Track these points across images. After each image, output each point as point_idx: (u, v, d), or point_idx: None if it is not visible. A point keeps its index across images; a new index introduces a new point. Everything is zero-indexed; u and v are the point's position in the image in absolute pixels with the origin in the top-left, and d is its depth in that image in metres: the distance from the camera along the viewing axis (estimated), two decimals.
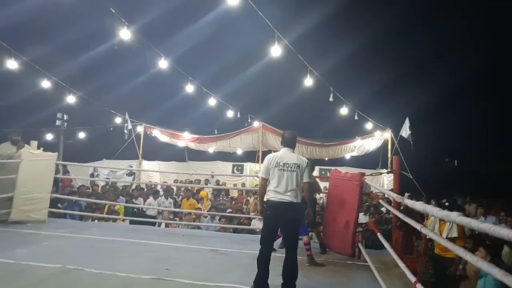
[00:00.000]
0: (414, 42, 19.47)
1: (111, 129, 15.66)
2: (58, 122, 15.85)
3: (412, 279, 3.12)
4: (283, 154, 4.05)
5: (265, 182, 3.97)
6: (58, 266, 4.24)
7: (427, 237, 3.35)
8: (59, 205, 8.05)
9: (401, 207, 4.72)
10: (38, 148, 7.29)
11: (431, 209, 2.73)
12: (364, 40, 17.62)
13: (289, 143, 4.17)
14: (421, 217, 5.55)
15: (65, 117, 15.97)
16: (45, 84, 11.14)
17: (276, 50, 8.40)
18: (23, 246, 5.13)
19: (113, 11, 7.85)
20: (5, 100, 15.37)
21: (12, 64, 9.40)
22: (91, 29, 14.79)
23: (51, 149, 8.33)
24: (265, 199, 3.96)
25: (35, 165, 6.78)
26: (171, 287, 3.83)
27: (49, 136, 16.29)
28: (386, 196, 7.50)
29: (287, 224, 3.93)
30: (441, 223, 5.29)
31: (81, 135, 16.72)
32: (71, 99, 12.84)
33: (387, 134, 13.56)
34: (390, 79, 18.62)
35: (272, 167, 3.94)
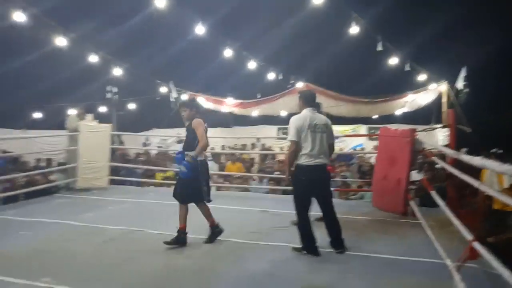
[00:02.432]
0: None
1: (158, 98, 16.14)
2: (108, 95, 16.61)
3: (469, 236, 3.00)
4: (312, 114, 3.85)
5: (296, 145, 3.76)
6: (122, 228, 4.62)
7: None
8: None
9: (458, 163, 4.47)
10: (94, 120, 7.75)
11: (491, 164, 2.54)
12: None
13: (312, 103, 3.99)
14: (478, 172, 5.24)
15: (115, 89, 16.67)
16: (93, 58, 11.58)
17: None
18: (91, 211, 5.63)
19: None
20: (58, 76, 16.30)
21: (61, 41, 9.83)
22: (130, 0, 14.93)
23: (105, 121, 8.84)
24: (297, 163, 3.78)
25: (93, 136, 7.26)
26: (225, 246, 4.04)
27: (102, 109, 17.19)
28: (441, 152, 7.14)
29: (322, 187, 3.88)
30: (499, 174, 4.88)
31: (131, 106, 17.43)
32: (118, 71, 13.29)
33: (443, 86, 12.61)
34: (447, 26, 16.95)
35: (305, 129, 3.75)
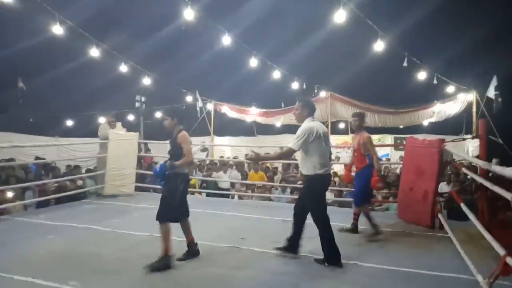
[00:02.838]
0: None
1: (184, 107, 16.48)
2: (137, 104, 17.14)
3: (502, 251, 2.86)
4: (318, 124, 3.91)
5: (292, 153, 3.88)
6: (147, 234, 4.70)
7: None
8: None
9: (490, 175, 4.29)
10: (122, 128, 8.00)
11: None
12: None
13: (314, 112, 4.01)
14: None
15: (143, 98, 17.18)
16: (123, 68, 12.02)
17: (341, 15, 7.93)
18: (117, 217, 5.78)
19: None
20: (90, 85, 17.00)
21: (94, 52, 10.28)
22: (159, 12, 15.44)
23: (133, 129, 9.11)
24: (313, 173, 3.77)
25: (121, 144, 7.48)
26: (246, 255, 4.03)
27: (130, 117, 17.72)
28: (471, 163, 6.88)
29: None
30: None
31: (158, 114, 17.88)
32: (146, 81, 13.72)
33: (471, 96, 12.21)
34: (475, 40, 16.46)
35: (314, 139, 3.76)
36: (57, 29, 8.79)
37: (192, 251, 3.90)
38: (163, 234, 3.68)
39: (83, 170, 9.41)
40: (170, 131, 4.00)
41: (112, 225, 5.20)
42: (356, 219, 5.03)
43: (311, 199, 3.87)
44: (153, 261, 3.57)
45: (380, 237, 4.73)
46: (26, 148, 11.15)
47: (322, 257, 3.80)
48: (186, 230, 3.95)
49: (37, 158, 10.34)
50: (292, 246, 3.98)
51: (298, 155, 4.07)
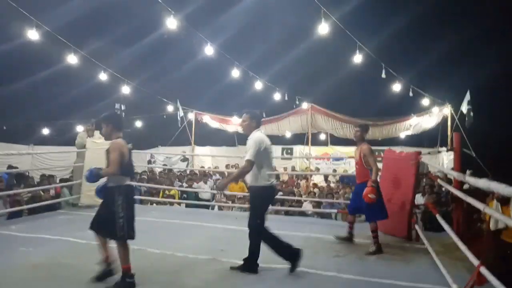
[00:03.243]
0: (475, 9, 17.65)
1: (165, 117, 16.32)
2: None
3: (475, 262, 2.94)
4: (265, 136, 3.99)
5: (251, 166, 3.75)
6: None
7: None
8: None
9: (464, 188, 4.43)
10: (101, 137, 7.82)
11: (497, 186, 2.51)
12: (417, 10, 16.39)
13: (261, 124, 4.09)
14: (484, 197, 5.15)
15: (123, 107, 16.93)
16: (102, 76, 11.82)
17: (323, 28, 8.10)
18: None
19: (160, 0, 8.05)
20: (68, 93, 16.62)
21: (72, 59, 10.07)
22: (140, 20, 15.37)
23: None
24: (261, 184, 3.79)
25: (99, 153, 7.28)
26: (226, 267, 3.98)
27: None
28: (446, 176, 7.08)
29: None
30: (503, 208, 4.54)
31: (138, 123, 17.64)
32: (126, 89, 13.53)
33: (447, 110, 12.65)
34: (449, 52, 17.18)
35: (264, 150, 3.83)
36: (33, 34, 8.58)
37: (125, 283, 3.32)
38: (122, 253, 3.38)
39: (58, 180, 9.13)
40: (108, 139, 3.65)
41: (87, 236, 5.00)
42: (351, 227, 5.01)
43: (254, 208, 3.88)
44: (142, 267, 3.46)
45: (359, 248, 4.78)
46: None
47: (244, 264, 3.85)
48: (104, 246, 3.55)
49: (9, 167, 9.96)
50: (290, 256, 3.87)
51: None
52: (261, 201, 3.89)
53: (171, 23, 8.36)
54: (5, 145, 12.46)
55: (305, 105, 14.00)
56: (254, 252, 3.82)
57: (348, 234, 5.01)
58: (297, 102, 14.84)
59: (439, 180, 5.79)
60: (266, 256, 3.93)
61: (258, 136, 3.88)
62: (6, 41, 12.82)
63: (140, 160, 14.52)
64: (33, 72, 15.79)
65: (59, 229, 5.41)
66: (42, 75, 15.63)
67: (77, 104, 17.15)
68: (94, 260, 4.09)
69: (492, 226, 4.11)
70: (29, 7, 8.37)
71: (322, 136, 16.80)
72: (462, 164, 5.06)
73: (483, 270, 2.78)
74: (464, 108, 11.30)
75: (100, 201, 3.60)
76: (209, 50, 10.18)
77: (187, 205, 8.63)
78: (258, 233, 3.84)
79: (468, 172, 4.86)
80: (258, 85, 13.50)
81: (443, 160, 13.00)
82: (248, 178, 3.93)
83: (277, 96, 14.77)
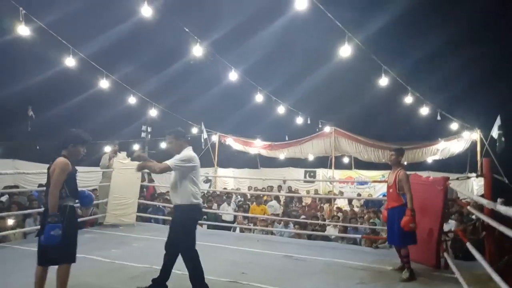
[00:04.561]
0: (504, 39, 17.28)
1: (189, 138, 16.62)
2: (143, 134, 17.36)
3: None
4: (195, 155, 3.90)
5: (166, 171, 3.75)
6: (146, 266, 4.62)
7: None
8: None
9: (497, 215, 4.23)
10: (127, 158, 8.05)
11: None
12: (446, 34, 16.22)
13: (189, 142, 4.02)
14: None
15: (149, 129, 17.43)
16: (131, 100, 12.31)
17: (346, 51, 8.15)
18: (117, 247, 5.70)
19: (187, 30, 8.41)
20: (99, 116, 17.34)
21: (104, 84, 10.58)
22: (168, 48, 16.00)
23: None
24: (189, 202, 3.71)
25: (124, 173, 7.51)
26: None
27: (136, 147, 17.86)
28: (476, 202, 6.80)
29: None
30: None
31: (163, 145, 18.01)
32: (153, 112, 13.99)
33: (476, 135, 12.27)
34: (479, 77, 16.82)
35: (192, 167, 3.77)
36: (70, 61, 9.11)
37: None
38: (61, 279, 3.25)
39: None
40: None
41: (111, 255, 5.12)
42: (407, 261, 4.62)
43: (181, 230, 3.74)
44: None
45: (385, 275, 4.61)
46: (31, 175, 11.19)
47: None
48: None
49: (40, 185, 10.36)
50: (157, 284, 3.77)
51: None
52: (184, 221, 3.75)
53: (197, 50, 8.67)
54: (37, 164, 13.01)
55: (328, 129, 13.95)
56: (195, 273, 3.70)
57: (408, 270, 4.60)
58: (320, 126, 14.82)
59: (469, 207, 5.57)
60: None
61: (189, 153, 3.84)
62: (45, 68, 13.66)
63: (164, 181, 14.76)
64: (68, 97, 16.65)
65: (84, 247, 5.47)
66: (75, 100, 16.44)
67: (107, 126, 17.82)
68: (117, 279, 4.15)
69: None
70: (65, 35, 8.93)
71: (346, 160, 16.59)
72: (493, 190, 4.87)
73: None
74: (495, 133, 10.94)
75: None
76: (233, 75, 10.44)
77: (209, 227, 8.64)
78: (193, 261, 3.72)
79: (499, 200, 4.64)
80: (281, 109, 13.62)
81: (473, 186, 12.50)
82: (174, 197, 3.81)
83: (299, 120, 14.81)
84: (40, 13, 8.21)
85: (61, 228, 3.15)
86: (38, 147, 16.98)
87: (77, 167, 3.55)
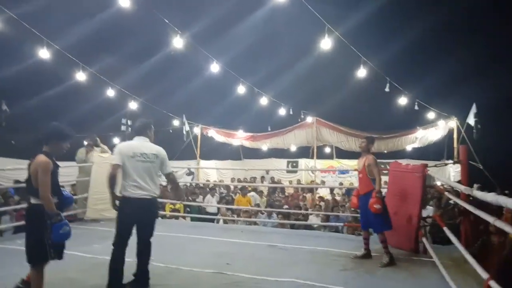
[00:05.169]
0: (482, 28, 17.67)
1: (171, 131, 16.44)
2: (123, 127, 17.07)
3: (484, 275, 2.89)
4: (139, 143, 3.64)
5: (117, 169, 3.55)
6: (129, 260, 4.55)
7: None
8: None
9: (470, 200, 4.38)
10: (107, 151, 7.89)
11: (505, 200, 2.51)
12: (423, 26, 16.46)
13: (140, 132, 3.72)
14: (494, 212, 5.08)
15: (129, 122, 17.14)
16: (110, 92, 12.05)
17: (327, 43, 8.22)
18: (99, 242, 5.61)
19: (167, 21, 8.26)
20: (78, 109, 16.89)
21: (81, 76, 10.30)
22: (148, 39, 15.68)
23: None
24: (122, 195, 3.56)
25: (105, 167, 7.35)
26: (232, 281, 3.95)
27: (116, 140, 17.54)
28: (453, 188, 7.02)
29: (147, 223, 3.62)
30: None
31: None
32: (133, 105, 13.74)
33: (453, 123, 12.62)
34: (455, 67, 17.20)
35: (128, 157, 3.52)
36: (44, 53, 8.81)
37: None
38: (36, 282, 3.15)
39: None
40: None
41: (93, 250, 5.04)
42: (366, 243, 4.91)
43: (116, 221, 3.59)
44: None
45: (366, 261, 4.72)
46: (6, 171, 10.83)
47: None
48: None
49: (16, 181, 10.05)
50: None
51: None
52: (119, 212, 3.57)
53: (178, 42, 8.53)
54: (13, 160, 12.60)
55: (310, 119, 14.06)
56: (110, 270, 3.50)
57: (365, 250, 4.91)
58: (302, 117, 14.92)
59: (446, 193, 5.74)
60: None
61: (123, 143, 3.75)
62: (18, 60, 13.16)
63: None
64: (44, 90, 16.13)
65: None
66: (52, 92, 15.94)
67: (86, 120, 17.40)
68: (99, 274, 4.09)
69: None
70: (40, 27, 8.62)
71: (328, 149, 16.78)
72: (470, 176, 5.03)
73: (493, 284, 2.74)
74: (471, 120, 11.27)
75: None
76: (215, 67, 10.34)
77: (192, 219, 8.62)
78: (112, 250, 3.51)
79: (475, 186, 4.81)
80: (264, 100, 13.62)
81: (450, 173, 12.89)
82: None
83: (282, 111, 14.87)
84: (11, 3, 7.90)
85: (67, 224, 3.14)
86: (13, 142, 16.45)
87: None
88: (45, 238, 3.08)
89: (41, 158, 3.14)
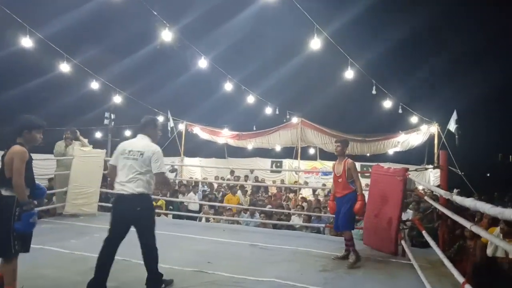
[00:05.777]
0: (463, 33, 18.18)
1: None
2: (106, 121, 16.74)
3: (461, 279, 2.96)
4: (132, 141, 3.72)
5: (112, 169, 3.61)
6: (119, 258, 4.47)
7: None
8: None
9: (449, 205, 4.48)
10: (88, 145, 7.72)
11: (483, 206, 2.56)
12: (408, 30, 16.80)
13: (141, 129, 3.74)
14: (472, 218, 5.23)
15: (112, 116, 16.82)
16: (94, 85, 11.80)
17: (315, 43, 8.22)
18: (77, 237, 5.50)
19: (155, 13, 8.13)
20: (59, 101, 16.49)
21: (64, 67, 10.04)
22: (135, 32, 15.45)
23: (100, 147, 8.82)
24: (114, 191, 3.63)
25: (86, 161, 7.22)
26: (213, 280, 3.93)
27: (98, 134, 17.23)
28: (433, 192, 7.17)
29: (136, 223, 3.56)
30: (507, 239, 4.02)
31: (127, 133, 17.51)
32: (117, 99, 13.49)
33: (434, 128, 12.90)
34: (438, 72, 17.64)
35: (118, 154, 3.59)
36: (26, 42, 8.55)
37: None
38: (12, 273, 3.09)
39: None
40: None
41: (70, 246, 4.94)
42: (347, 244, 4.89)
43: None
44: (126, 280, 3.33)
45: (345, 262, 4.77)
46: None
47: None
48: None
49: None
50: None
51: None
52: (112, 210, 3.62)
53: (166, 35, 8.40)
54: None
55: (295, 120, 14.12)
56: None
57: (346, 252, 4.90)
58: (288, 117, 14.97)
59: (426, 197, 5.86)
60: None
61: (123, 142, 3.79)
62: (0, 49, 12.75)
63: None
64: (24, 81, 15.68)
65: (41, 238, 5.26)
66: (33, 84, 15.51)
67: (68, 113, 17.00)
68: (76, 271, 4.01)
69: (489, 252, 4.18)
70: (23, 14, 8.36)
71: (312, 151, 16.91)
72: (449, 181, 5.14)
73: (468, 287, 2.80)
74: (452, 126, 11.52)
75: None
76: (202, 63, 10.25)
77: (174, 216, 8.53)
78: (102, 245, 3.52)
79: (455, 191, 4.94)
80: (250, 99, 13.60)
81: (430, 177, 13.16)
82: None
83: (268, 110, 14.88)
84: None
85: (36, 214, 3.16)
86: None
87: (33, 155, 3.36)
88: (11, 231, 3.04)
89: (17, 147, 3.15)
